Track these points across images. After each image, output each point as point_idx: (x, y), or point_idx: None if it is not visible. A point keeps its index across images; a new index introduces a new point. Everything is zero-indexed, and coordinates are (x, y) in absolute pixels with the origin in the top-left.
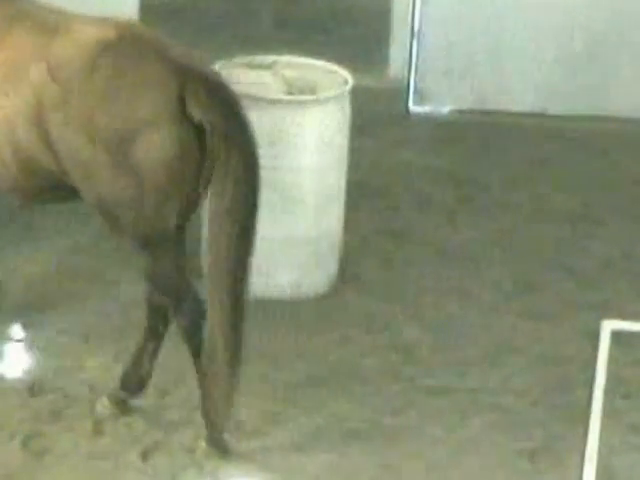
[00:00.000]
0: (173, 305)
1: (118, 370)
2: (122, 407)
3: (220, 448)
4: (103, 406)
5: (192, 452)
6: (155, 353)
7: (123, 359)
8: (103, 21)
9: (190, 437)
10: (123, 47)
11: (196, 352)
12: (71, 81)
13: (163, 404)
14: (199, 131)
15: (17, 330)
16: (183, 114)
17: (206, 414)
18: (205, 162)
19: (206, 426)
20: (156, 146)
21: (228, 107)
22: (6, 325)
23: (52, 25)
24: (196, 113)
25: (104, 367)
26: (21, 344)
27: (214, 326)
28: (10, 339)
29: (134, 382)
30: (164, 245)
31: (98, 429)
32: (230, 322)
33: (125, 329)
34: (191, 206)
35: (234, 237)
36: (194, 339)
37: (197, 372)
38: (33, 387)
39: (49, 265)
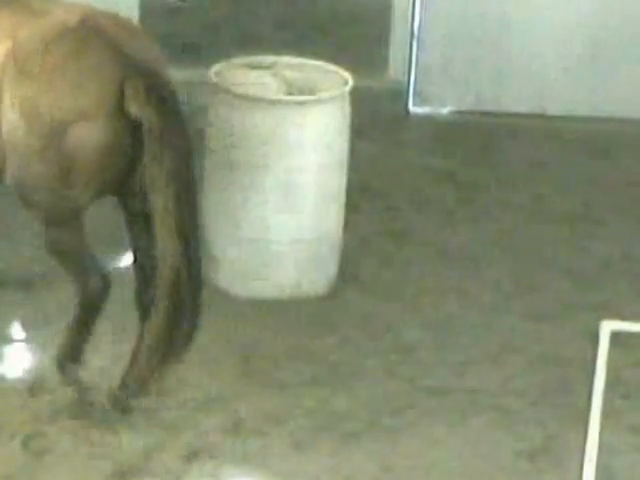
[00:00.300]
0: (76, 280)
1: (118, 370)
2: (122, 407)
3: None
4: (104, 406)
5: (194, 452)
6: None
7: (123, 359)
8: (74, 7)
9: (191, 437)
10: (78, 35)
11: (84, 321)
12: (26, 62)
13: (163, 404)
14: (136, 126)
15: (17, 330)
16: (121, 109)
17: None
18: (139, 156)
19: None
20: (88, 139)
21: (166, 106)
22: (6, 325)
23: (34, 8)
24: (133, 109)
25: (104, 367)
26: (21, 344)
27: (151, 325)
28: (10, 339)
29: (134, 381)
30: (73, 223)
31: (98, 429)
32: (160, 333)
33: (125, 329)
34: (114, 193)
35: (175, 234)
36: (90, 313)
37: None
38: (33, 387)
39: (48, 264)
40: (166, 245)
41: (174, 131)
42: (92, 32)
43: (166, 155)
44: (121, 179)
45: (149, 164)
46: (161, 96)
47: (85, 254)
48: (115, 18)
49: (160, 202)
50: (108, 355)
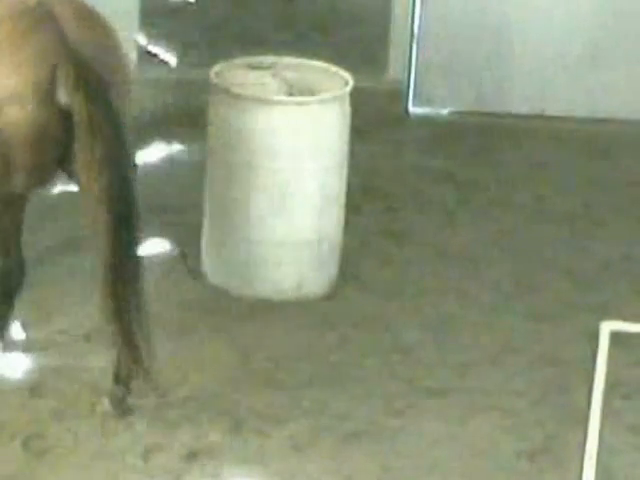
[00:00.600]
0: None
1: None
2: (122, 407)
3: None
4: (104, 406)
5: (194, 452)
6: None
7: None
8: None
9: (191, 437)
10: (33, 16)
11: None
12: None
13: (163, 404)
14: (68, 114)
15: (17, 330)
16: (52, 95)
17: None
18: (71, 143)
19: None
20: (17, 123)
21: (94, 95)
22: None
23: None
24: (63, 96)
25: (105, 367)
26: (21, 344)
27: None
28: (10, 339)
29: (125, 373)
30: (11, 207)
31: (99, 430)
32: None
33: None
34: (46, 180)
35: (109, 225)
36: (3, 292)
37: None
38: (34, 388)
39: (49, 264)
40: (97, 232)
41: (103, 120)
42: (44, 15)
43: (97, 144)
44: (58, 165)
45: (81, 151)
46: (90, 85)
47: (12, 237)
48: (74, 4)
49: (94, 189)
50: (109, 355)
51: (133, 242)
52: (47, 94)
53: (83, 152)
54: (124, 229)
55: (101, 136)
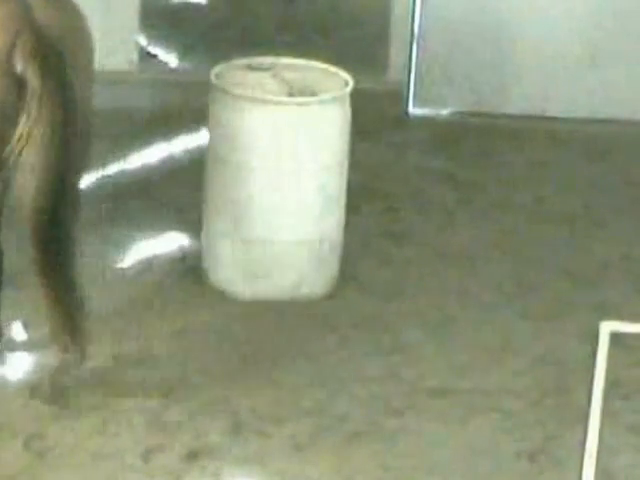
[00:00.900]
0: None
1: (119, 370)
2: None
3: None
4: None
5: (194, 452)
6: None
7: (124, 360)
8: None
9: (191, 437)
10: None
11: None
12: None
13: (164, 404)
14: (23, 82)
15: (17, 330)
16: (11, 65)
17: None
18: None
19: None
20: None
21: (51, 68)
22: (6, 325)
23: None
24: (18, 65)
25: (105, 367)
26: (21, 344)
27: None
28: (10, 339)
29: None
30: None
31: (99, 429)
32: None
33: (125, 329)
34: (9, 157)
35: (32, 197)
36: None
37: None
38: (34, 388)
39: None
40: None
41: (54, 95)
42: None
43: (42, 118)
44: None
45: (25, 122)
46: (48, 57)
47: None
48: None
49: (29, 160)
50: (109, 355)
51: (54, 221)
52: (7, 64)
53: (28, 123)
54: (46, 210)
55: (47, 110)
